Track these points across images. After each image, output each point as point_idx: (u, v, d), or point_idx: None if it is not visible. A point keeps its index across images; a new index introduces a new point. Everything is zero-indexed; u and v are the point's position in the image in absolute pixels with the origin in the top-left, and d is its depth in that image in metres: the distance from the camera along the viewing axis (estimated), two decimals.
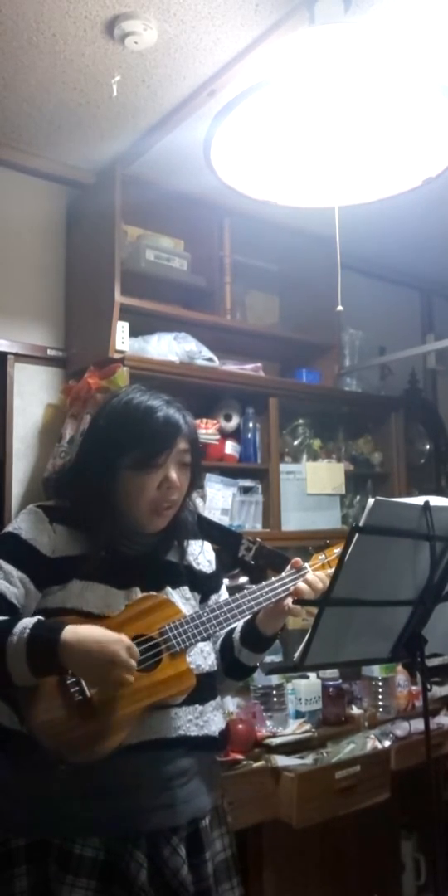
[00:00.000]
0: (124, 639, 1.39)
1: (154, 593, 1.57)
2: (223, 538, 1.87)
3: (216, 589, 1.76)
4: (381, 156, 1.91)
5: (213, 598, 1.73)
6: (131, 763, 1.47)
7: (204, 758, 1.60)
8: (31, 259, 2.66)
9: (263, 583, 1.65)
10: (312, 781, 2.25)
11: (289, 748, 2.38)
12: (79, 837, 1.45)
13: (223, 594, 1.76)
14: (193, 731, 1.55)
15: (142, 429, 1.57)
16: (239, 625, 1.70)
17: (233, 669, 1.72)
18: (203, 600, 1.71)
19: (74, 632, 1.38)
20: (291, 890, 2.37)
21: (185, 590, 1.66)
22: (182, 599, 1.64)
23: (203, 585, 1.72)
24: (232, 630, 1.72)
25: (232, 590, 1.79)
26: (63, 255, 2.73)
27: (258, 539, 1.87)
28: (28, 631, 1.38)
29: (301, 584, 1.61)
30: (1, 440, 2.50)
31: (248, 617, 1.65)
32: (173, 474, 1.58)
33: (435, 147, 1.86)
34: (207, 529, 1.81)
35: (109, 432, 1.61)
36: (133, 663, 1.39)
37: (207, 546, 1.79)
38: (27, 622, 1.41)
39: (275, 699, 2.50)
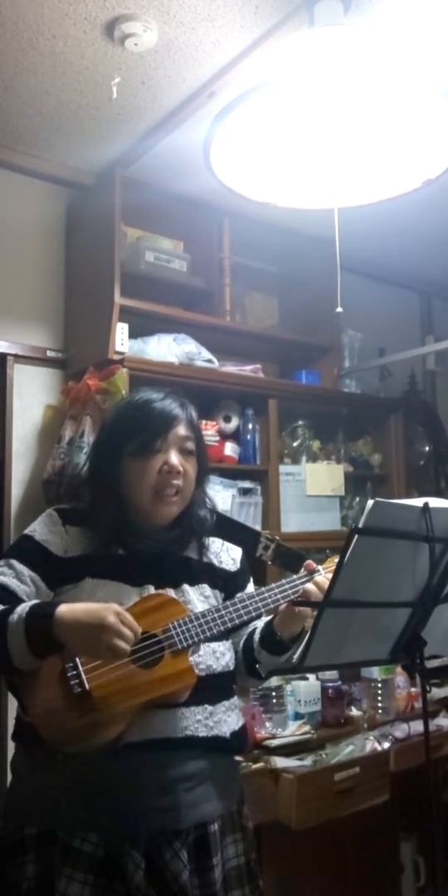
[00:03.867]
0: (113, 606, 1.41)
1: (161, 591, 1.58)
2: (241, 536, 1.84)
3: (242, 587, 1.74)
4: (381, 157, 1.91)
5: (239, 596, 1.70)
6: (134, 762, 1.48)
7: (218, 761, 1.58)
8: (30, 260, 2.66)
9: (273, 584, 1.64)
10: (311, 783, 2.25)
11: (288, 750, 2.38)
12: (79, 832, 1.47)
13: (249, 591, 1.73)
14: (202, 732, 1.54)
15: (141, 418, 1.63)
16: (259, 625, 1.70)
17: (254, 669, 1.71)
18: (227, 599, 1.68)
19: (68, 606, 1.43)
20: (290, 891, 2.36)
21: (205, 587, 1.66)
22: (200, 597, 1.63)
23: (227, 584, 1.71)
24: (253, 630, 1.71)
25: None
26: (63, 256, 2.73)
27: (276, 537, 1.85)
28: (27, 608, 1.44)
29: (309, 586, 1.60)
30: (0, 441, 2.50)
31: (267, 618, 1.66)
32: (173, 458, 1.61)
33: (434, 149, 1.86)
34: (225, 527, 1.80)
35: (113, 427, 1.68)
36: (124, 629, 1.39)
37: (232, 544, 1.78)
38: (27, 603, 1.46)
39: (274, 701, 2.49)
